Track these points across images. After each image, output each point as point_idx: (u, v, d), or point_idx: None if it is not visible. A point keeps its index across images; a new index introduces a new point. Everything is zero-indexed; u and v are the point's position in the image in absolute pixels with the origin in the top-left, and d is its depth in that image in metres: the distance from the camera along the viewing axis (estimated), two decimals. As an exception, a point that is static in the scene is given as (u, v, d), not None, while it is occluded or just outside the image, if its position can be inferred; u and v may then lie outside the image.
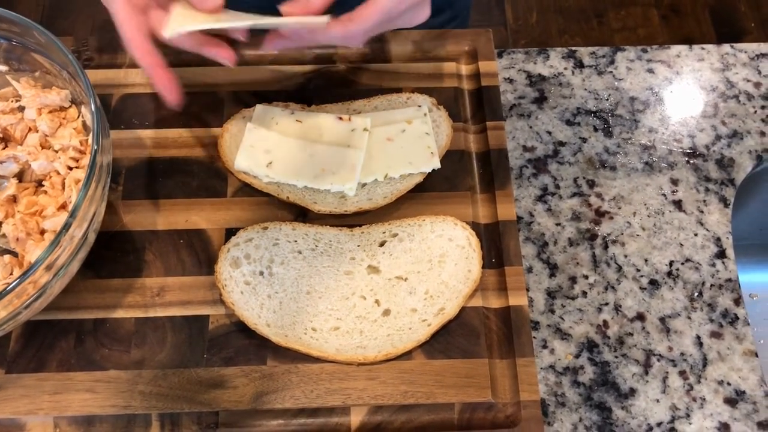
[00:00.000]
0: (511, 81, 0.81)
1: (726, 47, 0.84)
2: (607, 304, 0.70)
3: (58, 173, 0.65)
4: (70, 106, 0.68)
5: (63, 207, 0.63)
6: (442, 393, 0.63)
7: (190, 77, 0.76)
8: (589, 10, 2.16)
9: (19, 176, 0.67)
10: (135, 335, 0.64)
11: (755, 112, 0.80)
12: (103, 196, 0.60)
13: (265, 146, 0.70)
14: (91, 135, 0.60)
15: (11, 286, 0.52)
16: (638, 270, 0.71)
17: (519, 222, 0.73)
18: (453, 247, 0.68)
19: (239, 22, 0.60)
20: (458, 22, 0.98)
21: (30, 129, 0.68)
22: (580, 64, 0.83)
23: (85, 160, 0.65)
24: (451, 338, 0.65)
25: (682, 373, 0.67)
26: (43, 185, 0.65)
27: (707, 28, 2.12)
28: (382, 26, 0.61)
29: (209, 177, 0.71)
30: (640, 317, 0.69)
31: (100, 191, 0.58)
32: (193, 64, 0.76)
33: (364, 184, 0.70)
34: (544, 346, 0.68)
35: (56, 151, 0.66)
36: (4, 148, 0.67)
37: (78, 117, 0.68)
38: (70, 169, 0.65)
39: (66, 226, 0.54)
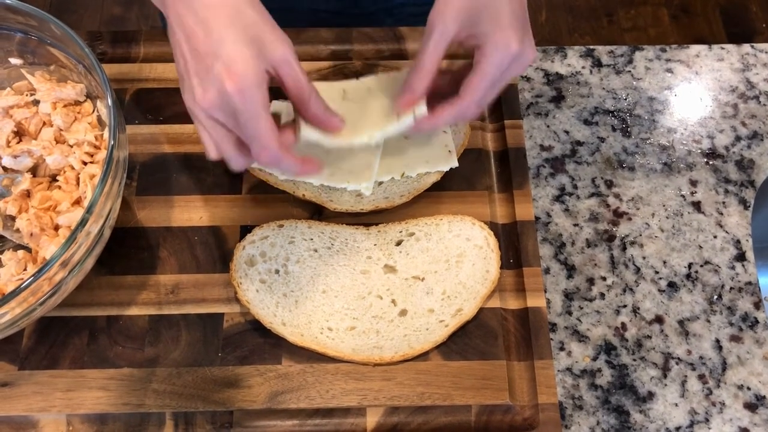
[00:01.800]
0: (528, 79, 0.80)
1: (746, 47, 0.83)
2: (625, 306, 0.69)
3: (73, 168, 0.64)
4: (85, 101, 0.68)
5: (77, 202, 0.63)
6: (459, 395, 0.62)
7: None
8: (599, 9, 2.15)
9: (33, 171, 0.66)
10: (149, 333, 0.64)
11: (775, 113, 0.79)
12: (119, 191, 0.59)
13: (281, 143, 0.69)
14: (107, 130, 0.60)
15: (26, 282, 0.51)
16: (657, 272, 0.70)
17: (536, 222, 0.72)
18: (471, 247, 0.67)
19: (355, 139, 0.62)
20: None
21: (44, 123, 0.67)
22: (598, 63, 0.82)
23: (100, 155, 0.65)
24: (468, 339, 0.64)
25: (701, 377, 0.66)
26: (57, 180, 0.64)
27: (718, 29, 2.11)
28: (492, 91, 0.59)
29: (224, 173, 0.71)
30: (659, 320, 0.68)
31: (116, 187, 0.58)
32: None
33: (381, 183, 0.70)
34: (562, 348, 0.67)
35: (71, 146, 0.65)
36: (18, 143, 0.66)
37: (93, 112, 0.67)
38: (85, 164, 0.64)
39: (82, 222, 0.53)
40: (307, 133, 0.60)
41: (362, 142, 0.63)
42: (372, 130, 0.64)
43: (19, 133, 0.67)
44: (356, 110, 0.67)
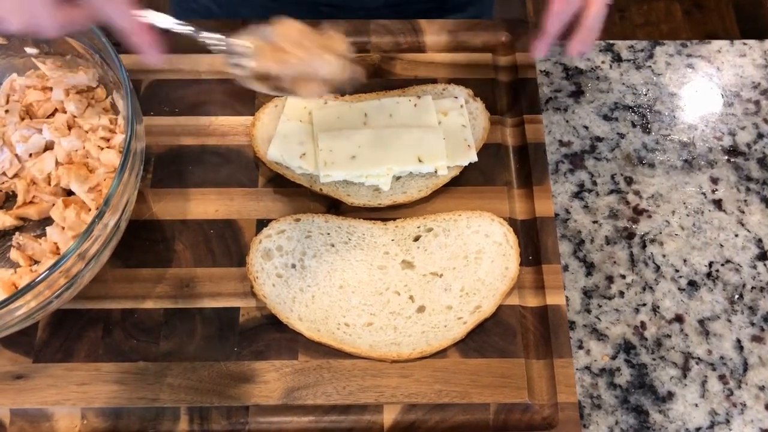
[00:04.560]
0: (547, 74, 0.79)
1: (769, 43, 0.81)
2: (644, 304, 0.68)
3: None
4: (98, 86, 0.67)
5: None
6: (477, 393, 0.61)
7: (221, 64, 0.74)
8: (611, 4, 2.13)
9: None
10: (164, 326, 0.63)
11: (798, 110, 0.78)
12: (135, 183, 0.59)
13: (298, 137, 0.68)
14: (125, 120, 0.59)
15: (43, 275, 0.51)
16: (677, 270, 0.69)
17: (555, 219, 0.71)
18: (490, 243, 0.66)
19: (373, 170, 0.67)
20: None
21: (57, 110, 0.66)
22: (617, 58, 0.81)
23: (115, 140, 0.64)
24: (486, 337, 0.63)
25: (721, 378, 0.65)
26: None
27: (731, 25, 2.09)
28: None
29: (240, 166, 0.70)
30: (679, 319, 0.67)
31: (133, 179, 0.57)
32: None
33: (399, 178, 0.69)
34: (580, 347, 0.66)
35: (86, 132, 0.64)
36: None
37: (106, 98, 0.66)
38: (101, 149, 0.64)
39: (100, 215, 0.53)
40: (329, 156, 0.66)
41: (380, 173, 0.67)
42: (391, 165, 0.67)
43: (29, 116, 0.66)
44: (376, 140, 0.67)
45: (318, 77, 0.56)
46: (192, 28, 0.56)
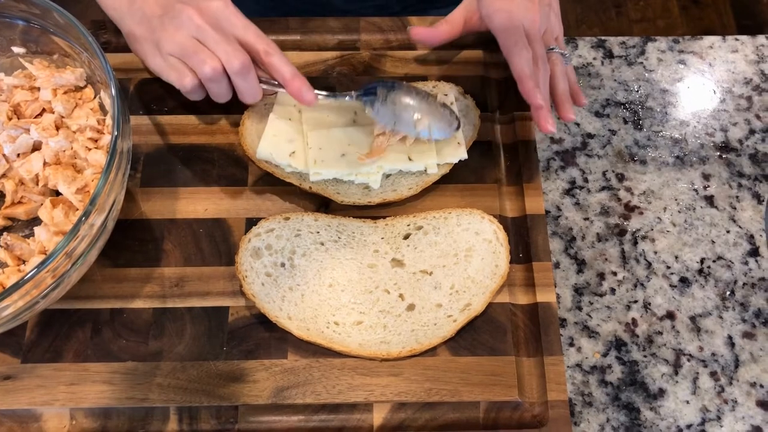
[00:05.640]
0: (538, 70, 0.79)
1: (761, 39, 0.81)
2: (636, 301, 0.68)
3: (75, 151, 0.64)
4: (86, 86, 0.66)
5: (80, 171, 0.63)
6: (467, 391, 0.61)
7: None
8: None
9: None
10: (153, 326, 0.63)
11: (790, 106, 0.77)
12: (123, 183, 0.58)
13: (288, 135, 0.68)
14: (111, 120, 0.59)
15: (29, 275, 0.51)
16: (668, 267, 0.69)
17: (546, 216, 0.71)
18: (480, 240, 0.66)
19: (363, 168, 0.68)
20: None
21: (44, 110, 0.66)
22: (609, 54, 0.80)
23: (103, 141, 0.64)
24: (477, 335, 0.63)
25: (713, 374, 0.65)
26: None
27: (728, 20, 2.09)
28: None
29: (230, 165, 0.70)
30: (670, 316, 0.67)
31: (120, 178, 0.57)
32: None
33: (389, 176, 0.68)
34: (571, 344, 0.66)
35: (74, 132, 0.64)
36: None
37: (94, 98, 0.66)
38: (88, 149, 0.64)
39: (86, 214, 0.52)
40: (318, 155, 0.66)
41: (370, 172, 0.67)
42: (381, 163, 0.67)
43: (17, 116, 0.66)
44: (366, 138, 0.66)
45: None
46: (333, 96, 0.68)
